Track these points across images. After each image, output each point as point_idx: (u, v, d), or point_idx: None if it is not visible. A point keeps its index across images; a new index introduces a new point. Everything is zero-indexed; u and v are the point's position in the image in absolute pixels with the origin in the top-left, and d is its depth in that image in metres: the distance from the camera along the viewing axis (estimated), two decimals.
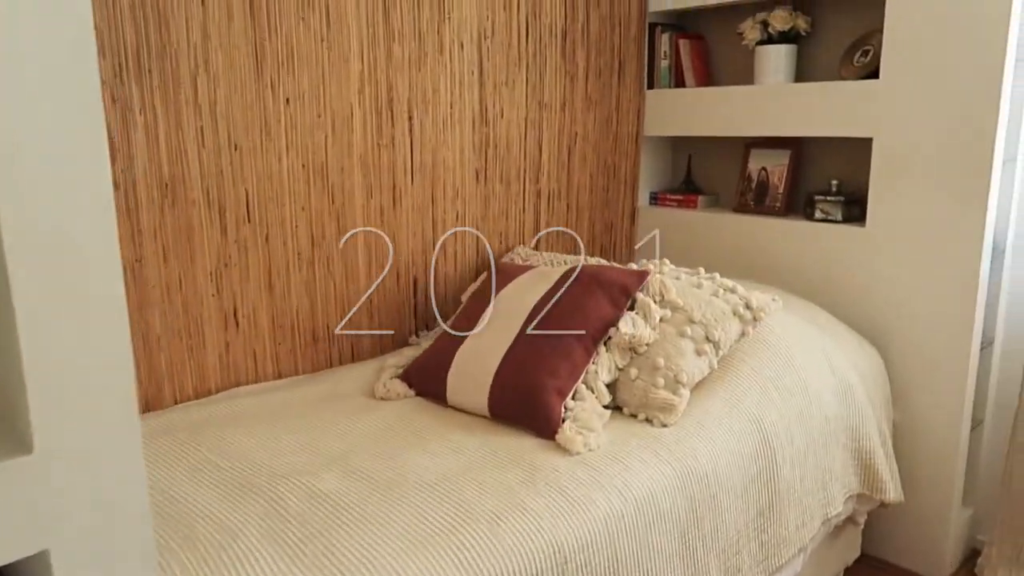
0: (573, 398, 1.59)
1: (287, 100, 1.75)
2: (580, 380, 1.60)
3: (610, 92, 2.48)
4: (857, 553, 2.15)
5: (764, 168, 2.44)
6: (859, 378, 1.92)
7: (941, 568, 2.15)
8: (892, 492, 1.91)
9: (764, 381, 1.70)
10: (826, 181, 2.35)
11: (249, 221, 1.74)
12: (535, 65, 2.24)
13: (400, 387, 1.73)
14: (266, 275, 1.79)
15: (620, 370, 1.65)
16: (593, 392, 1.60)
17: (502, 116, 2.19)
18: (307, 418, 1.60)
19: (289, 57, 1.74)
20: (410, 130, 1.99)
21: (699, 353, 1.64)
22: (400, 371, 1.80)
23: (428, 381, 1.72)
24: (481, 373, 1.63)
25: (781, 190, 2.39)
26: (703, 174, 2.70)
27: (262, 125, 1.72)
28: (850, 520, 1.98)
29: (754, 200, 2.45)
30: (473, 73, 2.10)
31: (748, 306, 1.71)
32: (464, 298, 2.04)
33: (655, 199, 2.69)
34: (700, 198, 2.58)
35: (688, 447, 1.49)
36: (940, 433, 2.10)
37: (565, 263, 2.04)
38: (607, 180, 2.54)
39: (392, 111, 1.95)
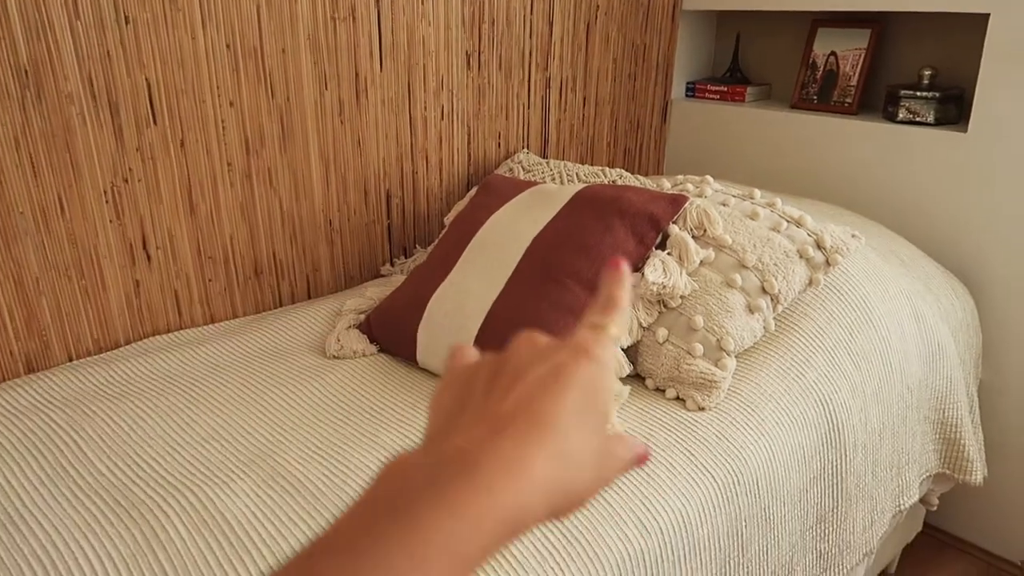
0: None
1: None
2: None
3: None
4: (919, 528, 1.80)
5: (834, 53, 1.93)
6: (950, 333, 1.50)
7: (1021, 549, 1.80)
8: (978, 471, 1.53)
9: (834, 343, 1.29)
10: (914, 71, 1.85)
11: (155, 122, 1.30)
12: None
13: (358, 342, 1.34)
14: (185, 193, 1.37)
15: (645, 330, 1.25)
16: None
17: None
18: (231, 387, 1.22)
19: None
20: None
21: (751, 310, 1.22)
22: (360, 318, 1.41)
23: (394, 334, 1.33)
24: (460, 330, 1.24)
25: (855, 81, 1.89)
26: (754, 59, 2.19)
27: None
28: (920, 502, 1.61)
29: (819, 94, 1.96)
30: None
31: (820, 245, 1.27)
32: (447, 221, 1.62)
33: (692, 90, 2.19)
34: (749, 89, 2.09)
35: (734, 444, 1.10)
36: None
37: (578, 177, 1.60)
38: (634, 66, 2.05)
39: None
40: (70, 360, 1.32)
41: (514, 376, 0.34)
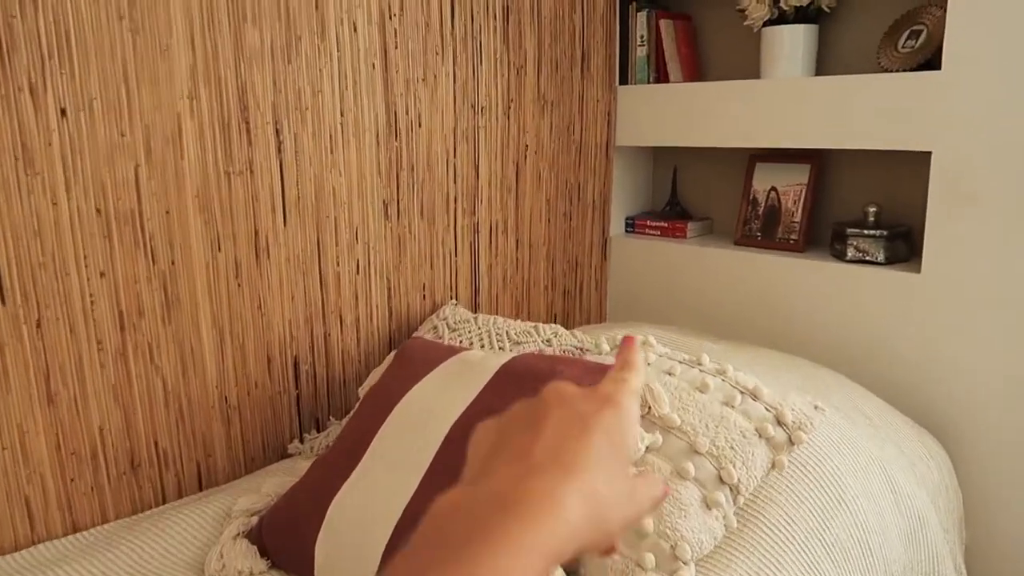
0: None
1: (62, 111, 1.12)
2: None
3: (570, 90, 1.87)
4: None
5: (774, 188, 1.85)
6: (929, 500, 1.34)
7: None
8: None
9: (805, 535, 1.11)
10: (859, 207, 1.77)
11: (3, 302, 1.11)
12: (465, 54, 1.63)
13: (244, 558, 1.11)
14: (42, 381, 1.16)
15: None
16: None
17: (419, 125, 1.57)
18: None
19: (62, 44, 1.10)
20: (279, 149, 1.37)
21: (709, 505, 1.04)
22: (253, 521, 1.18)
23: (288, 546, 1.11)
24: (365, 542, 1.03)
25: (798, 217, 1.81)
26: (693, 192, 2.11)
27: (18, 151, 1.09)
28: None
29: (762, 230, 1.86)
30: (374, 66, 1.48)
31: (780, 421, 1.11)
32: (361, 393, 1.43)
33: (632, 226, 2.09)
34: (691, 225, 1.99)
35: None
36: None
37: (508, 336, 1.43)
38: (569, 204, 1.94)
39: (248, 123, 1.32)
40: None
41: (544, 424, 0.37)
